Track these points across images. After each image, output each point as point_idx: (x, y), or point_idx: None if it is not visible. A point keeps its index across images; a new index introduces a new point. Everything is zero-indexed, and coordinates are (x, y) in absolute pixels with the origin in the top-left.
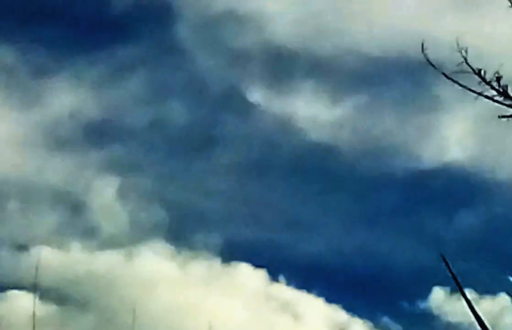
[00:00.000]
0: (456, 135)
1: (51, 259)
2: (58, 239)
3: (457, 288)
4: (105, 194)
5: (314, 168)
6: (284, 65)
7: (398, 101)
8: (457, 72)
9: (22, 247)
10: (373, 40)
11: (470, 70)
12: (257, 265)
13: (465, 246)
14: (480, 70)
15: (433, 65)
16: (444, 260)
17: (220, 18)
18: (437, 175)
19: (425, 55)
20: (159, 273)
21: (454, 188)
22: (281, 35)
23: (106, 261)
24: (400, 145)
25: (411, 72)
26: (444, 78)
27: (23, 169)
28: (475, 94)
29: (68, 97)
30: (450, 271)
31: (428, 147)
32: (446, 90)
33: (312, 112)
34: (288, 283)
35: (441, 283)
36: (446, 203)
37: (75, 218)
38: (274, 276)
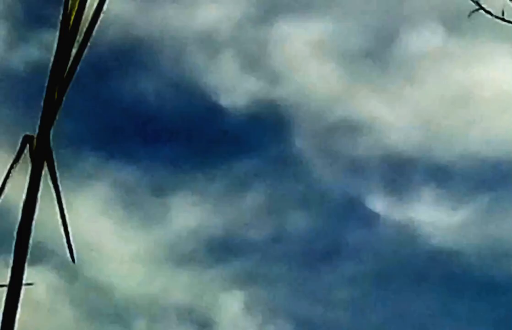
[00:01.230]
0: None
1: None
2: None
3: None
4: (231, 309)
5: (439, 274)
6: (402, 172)
7: None
8: None
9: None
10: (489, 144)
11: None
12: None
13: None
14: None
15: None
16: None
17: (335, 127)
18: None
19: None
20: None
21: None
22: (397, 142)
23: None
24: None
25: None
26: None
27: (148, 287)
28: None
29: (189, 214)
30: None
31: None
32: None
33: (433, 218)
34: None
35: None
36: None
37: None
38: None
